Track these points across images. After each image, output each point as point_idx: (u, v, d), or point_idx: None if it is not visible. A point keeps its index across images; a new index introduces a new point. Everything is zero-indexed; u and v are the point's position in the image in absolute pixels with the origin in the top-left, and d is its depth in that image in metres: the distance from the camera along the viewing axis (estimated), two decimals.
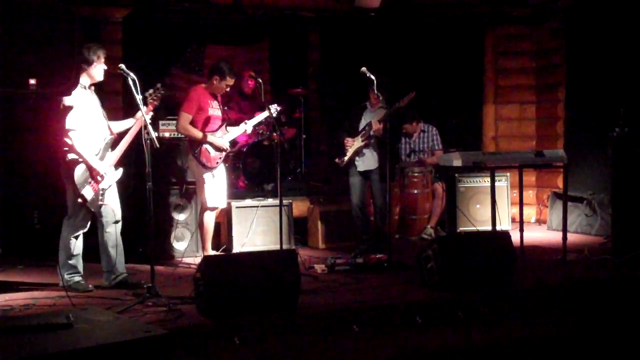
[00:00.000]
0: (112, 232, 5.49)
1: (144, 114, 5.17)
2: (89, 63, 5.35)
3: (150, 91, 5.47)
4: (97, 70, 5.43)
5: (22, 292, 5.39)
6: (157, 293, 4.97)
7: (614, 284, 5.65)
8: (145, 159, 5.12)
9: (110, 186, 5.44)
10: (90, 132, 5.35)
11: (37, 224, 7.08)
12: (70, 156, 5.29)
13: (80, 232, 5.45)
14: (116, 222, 5.51)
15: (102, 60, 5.44)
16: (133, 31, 7.94)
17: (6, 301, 5.06)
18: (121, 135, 5.55)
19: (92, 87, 5.50)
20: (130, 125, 5.56)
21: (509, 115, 9.33)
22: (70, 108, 5.24)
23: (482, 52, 9.29)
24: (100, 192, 5.36)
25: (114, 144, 5.51)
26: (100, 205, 5.38)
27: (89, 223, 5.47)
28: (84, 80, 5.34)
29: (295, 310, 4.75)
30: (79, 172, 5.28)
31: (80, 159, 5.28)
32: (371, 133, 6.55)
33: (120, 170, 5.50)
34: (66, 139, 5.25)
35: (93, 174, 5.32)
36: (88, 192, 5.30)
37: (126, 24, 7.87)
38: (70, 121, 5.25)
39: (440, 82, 9.14)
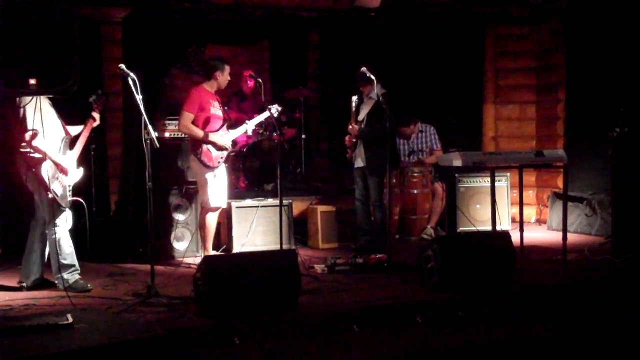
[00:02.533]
0: (59, 234, 5.41)
1: (94, 121, 5.49)
2: None
3: (93, 97, 5.61)
4: None
5: (22, 292, 5.39)
6: (157, 293, 4.97)
7: (614, 284, 5.65)
8: (146, 159, 5.12)
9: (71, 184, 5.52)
10: (49, 132, 5.34)
11: None
12: (34, 156, 5.30)
13: (65, 229, 5.45)
14: (68, 227, 5.55)
15: None
16: (133, 31, 7.93)
17: (6, 301, 5.06)
18: (76, 137, 5.65)
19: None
20: (81, 128, 5.66)
21: (509, 115, 9.33)
22: (26, 110, 5.25)
23: (482, 52, 9.29)
24: (68, 188, 5.45)
25: (70, 144, 5.59)
26: (70, 202, 5.46)
27: (70, 217, 5.53)
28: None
29: (295, 310, 4.75)
30: (45, 168, 5.31)
31: (46, 157, 5.29)
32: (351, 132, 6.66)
33: (81, 169, 5.62)
34: (31, 139, 5.25)
35: (59, 169, 5.39)
36: (57, 188, 5.35)
37: (126, 24, 7.87)
38: (30, 122, 5.26)
39: (440, 82, 9.13)
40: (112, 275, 6.01)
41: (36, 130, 5.25)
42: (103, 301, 5.01)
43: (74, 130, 5.70)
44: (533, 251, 6.92)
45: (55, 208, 5.35)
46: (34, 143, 5.26)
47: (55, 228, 5.37)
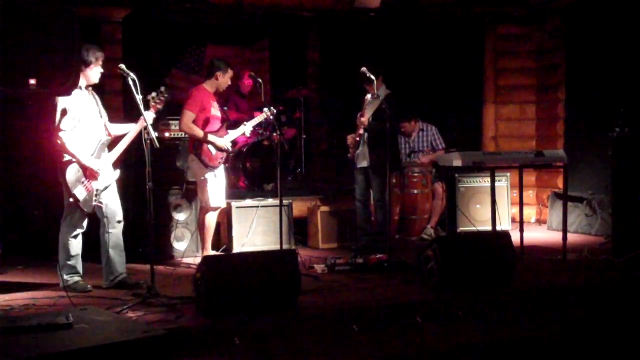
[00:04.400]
0: (113, 232, 5.48)
1: (144, 117, 5.17)
2: (87, 64, 5.32)
3: (153, 94, 5.45)
4: (94, 73, 5.41)
5: (22, 292, 5.39)
6: (157, 293, 4.97)
7: (614, 284, 5.65)
8: (146, 159, 5.12)
9: (107, 187, 5.43)
10: (84, 133, 5.33)
11: (37, 224, 7.09)
12: (66, 157, 5.28)
13: (79, 232, 5.44)
14: (118, 222, 5.51)
15: (100, 62, 5.42)
16: (133, 31, 7.94)
17: (6, 301, 5.06)
18: (119, 137, 5.54)
19: (90, 88, 5.49)
20: (130, 128, 5.51)
21: (509, 115, 9.33)
22: (63, 110, 5.23)
23: (482, 52, 9.29)
24: (95, 192, 5.34)
25: (111, 145, 5.50)
26: (95, 206, 5.36)
27: (86, 222, 5.46)
28: (80, 81, 5.35)
29: (295, 310, 4.75)
30: (71, 172, 5.27)
31: (73, 159, 5.27)
32: (359, 124, 6.61)
33: (118, 171, 5.49)
34: (57, 140, 5.25)
35: (87, 173, 5.31)
36: (80, 192, 5.28)
37: (126, 24, 7.87)
38: (59, 121, 5.24)
39: (440, 82, 9.13)
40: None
41: (65, 130, 5.21)
42: (103, 301, 5.00)
43: (121, 129, 5.54)
44: (533, 251, 6.91)
45: (76, 210, 5.33)
46: (61, 142, 5.23)
47: (70, 228, 5.37)
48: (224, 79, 6.42)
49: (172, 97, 9.05)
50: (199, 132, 6.25)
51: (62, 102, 5.23)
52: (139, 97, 5.14)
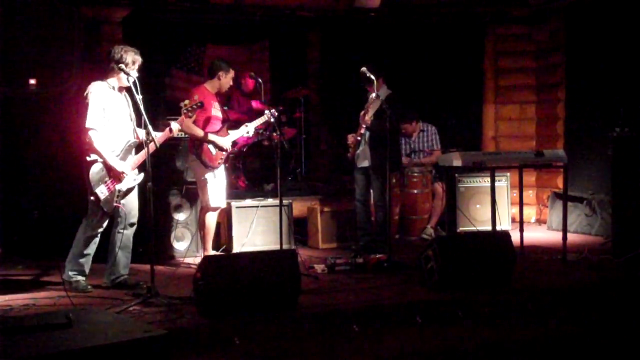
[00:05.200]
0: (126, 233, 5.50)
1: (171, 127, 5.34)
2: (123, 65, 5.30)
3: (186, 102, 5.58)
4: (133, 74, 5.29)
5: (22, 292, 5.39)
6: (157, 293, 4.97)
7: (614, 284, 5.65)
8: (146, 159, 5.12)
9: (130, 189, 5.41)
10: (113, 133, 5.32)
11: (37, 224, 7.08)
12: (90, 154, 5.28)
13: (97, 232, 5.43)
14: (132, 224, 5.52)
15: (136, 67, 5.37)
16: (133, 31, 7.93)
17: (6, 301, 5.06)
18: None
19: (123, 90, 5.45)
20: (157, 135, 5.43)
21: (509, 115, 9.33)
22: (98, 109, 5.22)
23: (482, 52, 9.29)
24: (117, 193, 5.32)
25: (137, 149, 5.47)
26: (115, 207, 5.35)
27: (106, 224, 5.46)
28: (112, 81, 5.36)
29: (295, 310, 4.75)
30: (95, 170, 5.26)
31: (100, 158, 5.26)
32: (362, 124, 6.61)
33: (142, 174, 5.40)
34: (86, 138, 5.24)
35: (111, 174, 5.29)
36: (102, 192, 5.27)
37: (126, 24, 7.86)
38: (90, 120, 5.23)
39: (440, 82, 9.13)
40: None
41: (94, 128, 5.21)
42: (103, 301, 5.01)
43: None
44: (533, 251, 6.92)
45: (98, 210, 5.33)
46: (89, 140, 5.22)
47: (90, 227, 5.38)
48: (226, 80, 6.43)
49: (172, 96, 9.09)
50: (199, 132, 6.25)
51: (97, 100, 5.23)
52: (139, 97, 5.13)
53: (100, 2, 7.59)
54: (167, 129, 5.53)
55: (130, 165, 5.38)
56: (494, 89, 9.33)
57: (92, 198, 5.27)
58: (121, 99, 5.43)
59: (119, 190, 5.33)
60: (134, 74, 5.27)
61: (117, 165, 5.29)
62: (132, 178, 5.40)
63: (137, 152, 5.45)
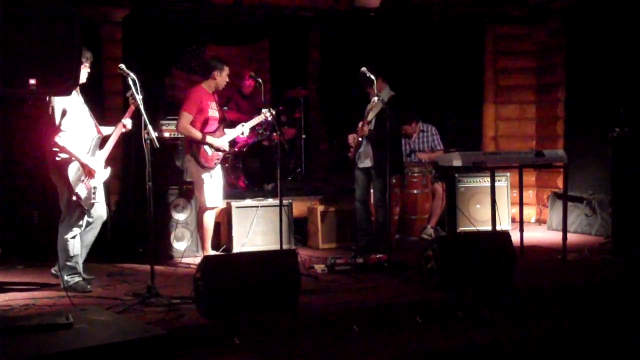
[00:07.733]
0: (93, 232, 5.56)
1: (139, 114, 5.19)
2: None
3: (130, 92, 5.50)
4: (82, 73, 5.38)
5: (22, 292, 5.40)
6: (157, 293, 4.97)
7: (614, 284, 5.65)
8: (145, 159, 5.12)
9: (98, 186, 5.49)
10: (80, 132, 5.38)
11: (37, 224, 7.08)
12: (62, 156, 5.30)
13: (77, 232, 5.45)
14: (105, 222, 5.59)
15: (89, 63, 5.44)
16: (133, 31, 7.94)
17: (6, 301, 5.06)
18: (107, 136, 5.61)
19: (77, 88, 5.48)
20: (113, 128, 5.61)
21: (509, 115, 9.33)
22: (64, 111, 5.26)
23: (482, 52, 9.28)
24: (92, 190, 5.41)
25: (101, 144, 5.56)
26: (92, 204, 5.43)
27: (84, 222, 5.47)
28: None
29: (295, 310, 4.75)
30: (72, 170, 5.31)
31: (73, 158, 5.30)
32: (359, 134, 6.63)
33: (109, 169, 5.57)
34: (57, 140, 5.26)
35: (86, 171, 5.36)
36: (82, 190, 5.33)
37: (126, 24, 7.87)
38: (59, 121, 5.26)
39: (440, 82, 9.13)
40: (112, 275, 6.01)
41: (64, 130, 5.25)
42: (103, 301, 5.00)
43: (107, 129, 5.65)
44: (533, 251, 6.92)
45: (76, 210, 5.35)
46: (62, 143, 5.26)
47: (69, 229, 5.39)
48: (222, 77, 6.42)
49: (172, 96, 9.09)
50: (197, 134, 6.25)
51: (60, 102, 5.26)
52: (139, 97, 5.15)
53: (100, 2, 7.59)
54: (119, 124, 5.60)
55: (101, 161, 5.49)
56: (494, 89, 9.33)
57: (73, 198, 5.31)
58: (79, 98, 5.47)
59: (94, 187, 5.43)
60: (86, 70, 5.38)
61: (90, 162, 5.38)
62: (102, 174, 5.51)
63: (101, 148, 5.54)
